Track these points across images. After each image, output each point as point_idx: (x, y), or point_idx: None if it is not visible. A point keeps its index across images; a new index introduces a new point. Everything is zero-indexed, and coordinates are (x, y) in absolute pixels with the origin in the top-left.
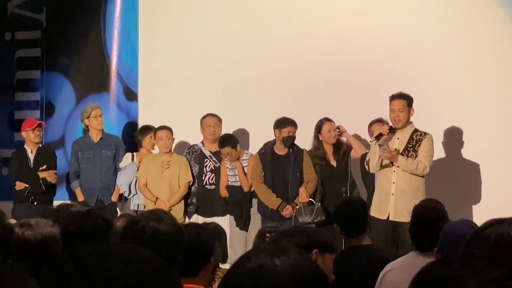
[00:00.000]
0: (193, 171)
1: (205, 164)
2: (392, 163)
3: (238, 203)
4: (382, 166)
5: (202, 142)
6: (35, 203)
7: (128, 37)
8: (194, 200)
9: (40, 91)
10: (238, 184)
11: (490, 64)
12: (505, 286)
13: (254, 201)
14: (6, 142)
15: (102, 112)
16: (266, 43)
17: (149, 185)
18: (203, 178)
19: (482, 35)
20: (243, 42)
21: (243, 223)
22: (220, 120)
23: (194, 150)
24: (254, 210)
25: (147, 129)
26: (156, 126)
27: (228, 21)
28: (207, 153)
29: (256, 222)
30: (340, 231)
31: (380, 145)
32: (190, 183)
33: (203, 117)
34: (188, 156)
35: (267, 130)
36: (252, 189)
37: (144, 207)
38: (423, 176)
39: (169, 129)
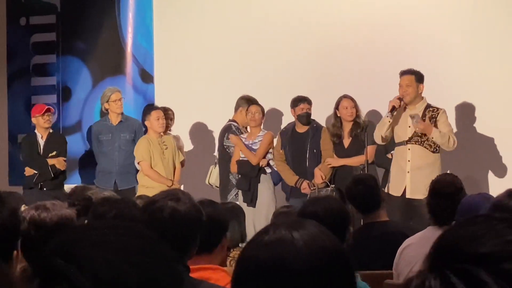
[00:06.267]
0: None
1: None
2: (406, 141)
3: (245, 176)
4: (397, 144)
5: (234, 121)
6: (44, 189)
7: (143, 19)
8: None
9: (56, 75)
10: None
11: (502, 38)
12: None
13: (263, 177)
14: (23, 127)
15: (122, 96)
16: (286, 23)
17: (155, 167)
18: None
19: (495, 8)
20: (262, 23)
21: (250, 197)
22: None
23: (237, 127)
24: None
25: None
26: (172, 108)
27: (248, 0)
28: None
29: (263, 199)
30: (355, 210)
31: (411, 117)
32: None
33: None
34: (238, 133)
35: (287, 110)
36: (261, 164)
37: None
38: (438, 152)
39: (161, 109)
